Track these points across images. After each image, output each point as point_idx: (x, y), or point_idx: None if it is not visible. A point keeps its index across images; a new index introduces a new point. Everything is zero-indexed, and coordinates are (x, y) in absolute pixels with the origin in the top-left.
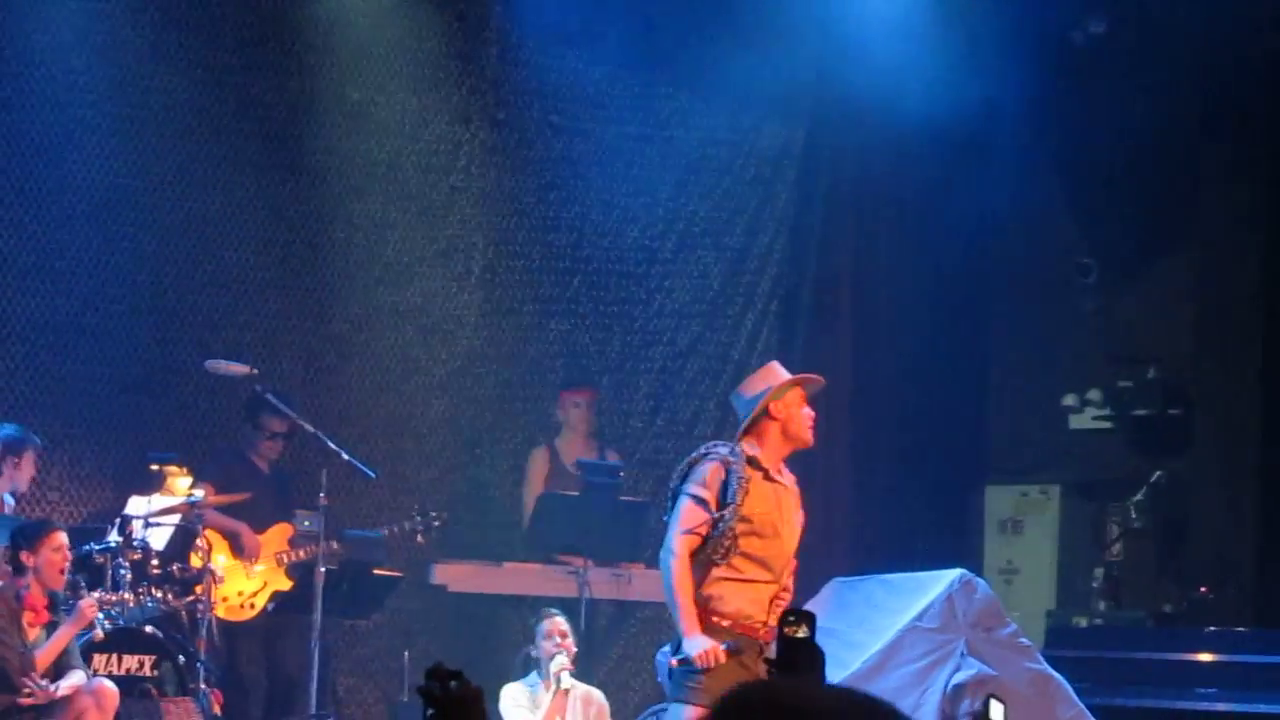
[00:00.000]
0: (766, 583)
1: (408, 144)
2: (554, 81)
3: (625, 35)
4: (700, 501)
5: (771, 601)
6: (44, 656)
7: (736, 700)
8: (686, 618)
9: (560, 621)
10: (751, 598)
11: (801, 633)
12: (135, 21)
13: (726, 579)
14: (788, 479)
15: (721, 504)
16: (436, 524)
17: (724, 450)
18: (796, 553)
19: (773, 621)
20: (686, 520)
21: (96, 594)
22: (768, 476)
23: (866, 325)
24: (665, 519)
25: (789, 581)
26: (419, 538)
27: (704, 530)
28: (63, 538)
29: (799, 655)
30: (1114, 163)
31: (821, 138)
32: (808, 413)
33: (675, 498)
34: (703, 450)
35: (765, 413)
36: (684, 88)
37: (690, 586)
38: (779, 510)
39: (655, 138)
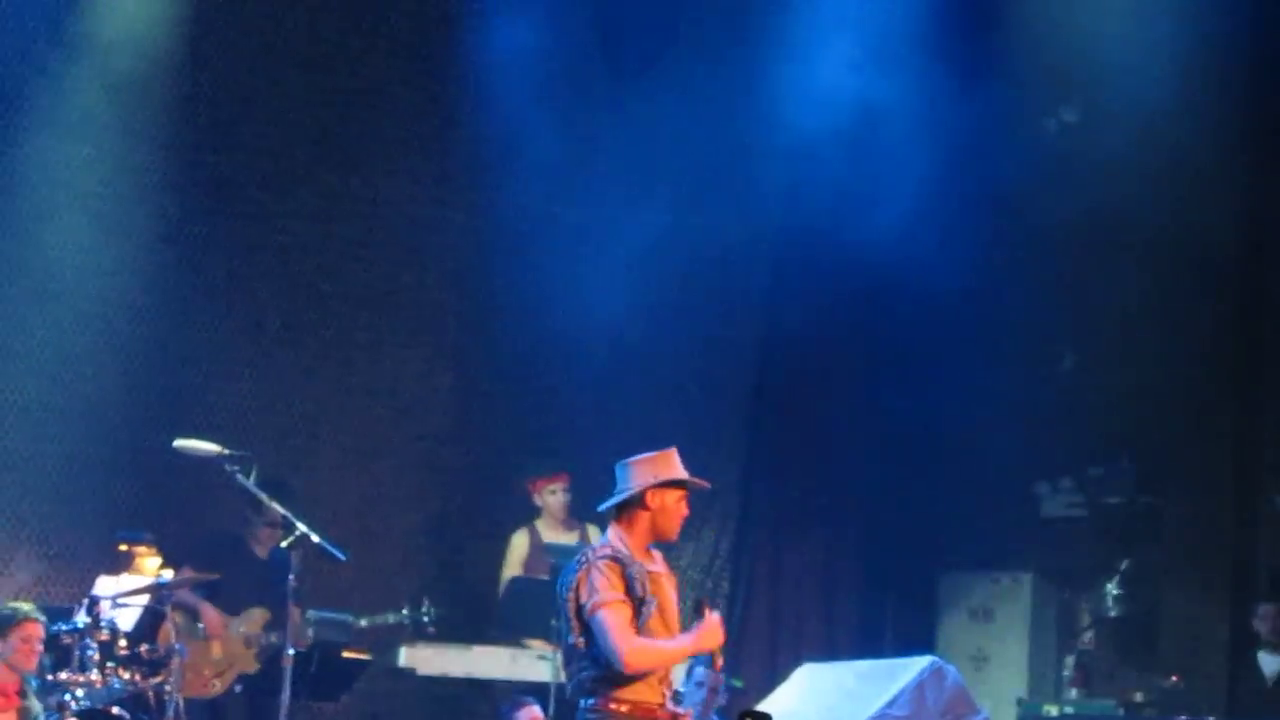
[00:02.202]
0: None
1: (379, 224)
2: (525, 164)
3: (596, 118)
4: (620, 604)
5: (662, 681)
6: None
7: None
8: (680, 647)
9: (537, 711)
10: (648, 682)
11: None
12: (108, 99)
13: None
14: (659, 563)
15: (632, 598)
16: (427, 619)
17: (607, 551)
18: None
19: (668, 702)
20: (620, 627)
21: (64, 674)
22: (646, 563)
23: (835, 410)
24: (569, 641)
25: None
26: (428, 629)
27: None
28: (35, 629)
29: None
30: (1092, 249)
31: (793, 223)
32: (682, 512)
33: (585, 616)
34: (585, 559)
35: (641, 501)
36: (657, 174)
37: (658, 643)
38: (662, 592)
39: (626, 220)
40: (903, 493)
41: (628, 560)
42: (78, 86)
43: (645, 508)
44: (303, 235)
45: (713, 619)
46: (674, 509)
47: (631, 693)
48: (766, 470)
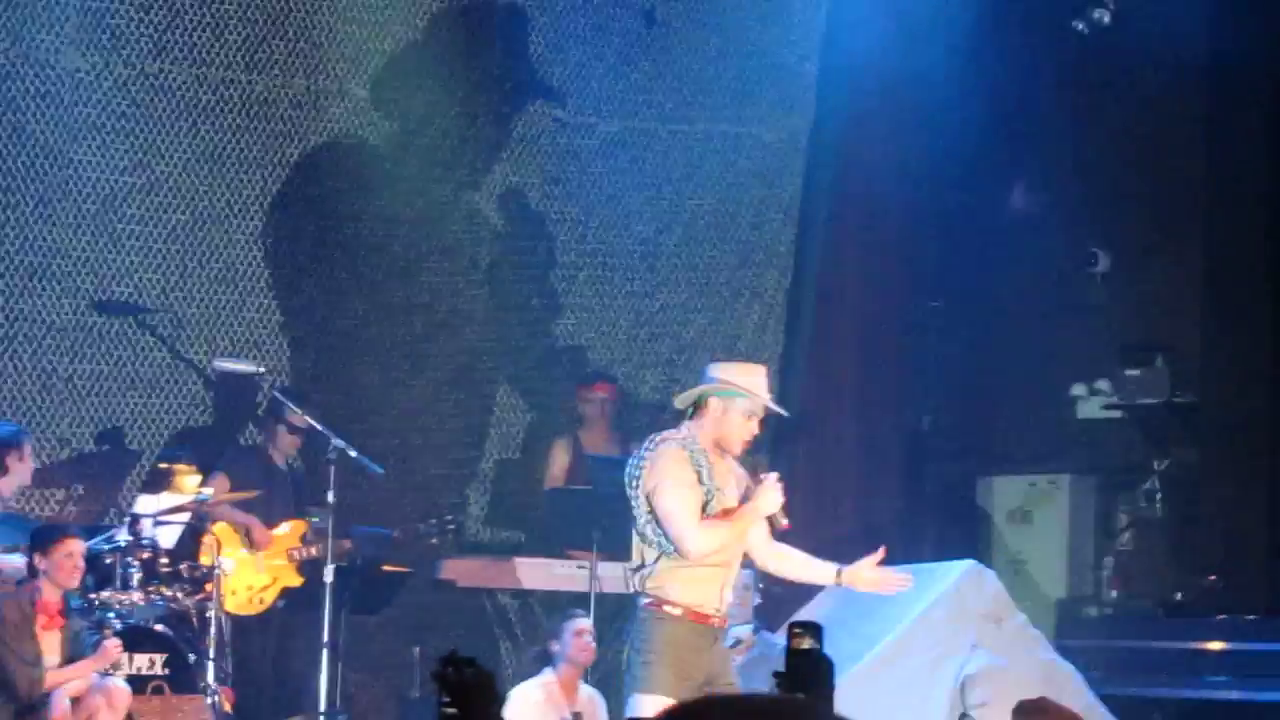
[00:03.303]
0: (719, 567)
1: (412, 139)
2: (558, 76)
3: (628, 30)
4: (688, 490)
5: (724, 587)
6: (55, 680)
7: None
8: (743, 519)
9: (587, 622)
10: (704, 586)
11: (807, 644)
12: (140, 19)
13: (680, 567)
14: (730, 460)
15: (701, 485)
16: (451, 528)
17: (678, 437)
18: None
19: (725, 607)
20: (686, 511)
21: (106, 593)
22: (712, 458)
23: (872, 317)
24: (639, 525)
25: (738, 566)
26: (434, 540)
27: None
28: (77, 545)
29: (806, 667)
30: (1123, 151)
31: (826, 130)
32: (743, 427)
33: (652, 500)
34: (654, 444)
35: (705, 404)
36: (687, 81)
37: (720, 522)
38: (726, 494)
39: (659, 131)
40: (939, 398)
41: (695, 449)
42: (108, 7)
43: (708, 412)
44: (335, 152)
45: (769, 479)
46: (735, 421)
47: (688, 595)
48: (802, 379)
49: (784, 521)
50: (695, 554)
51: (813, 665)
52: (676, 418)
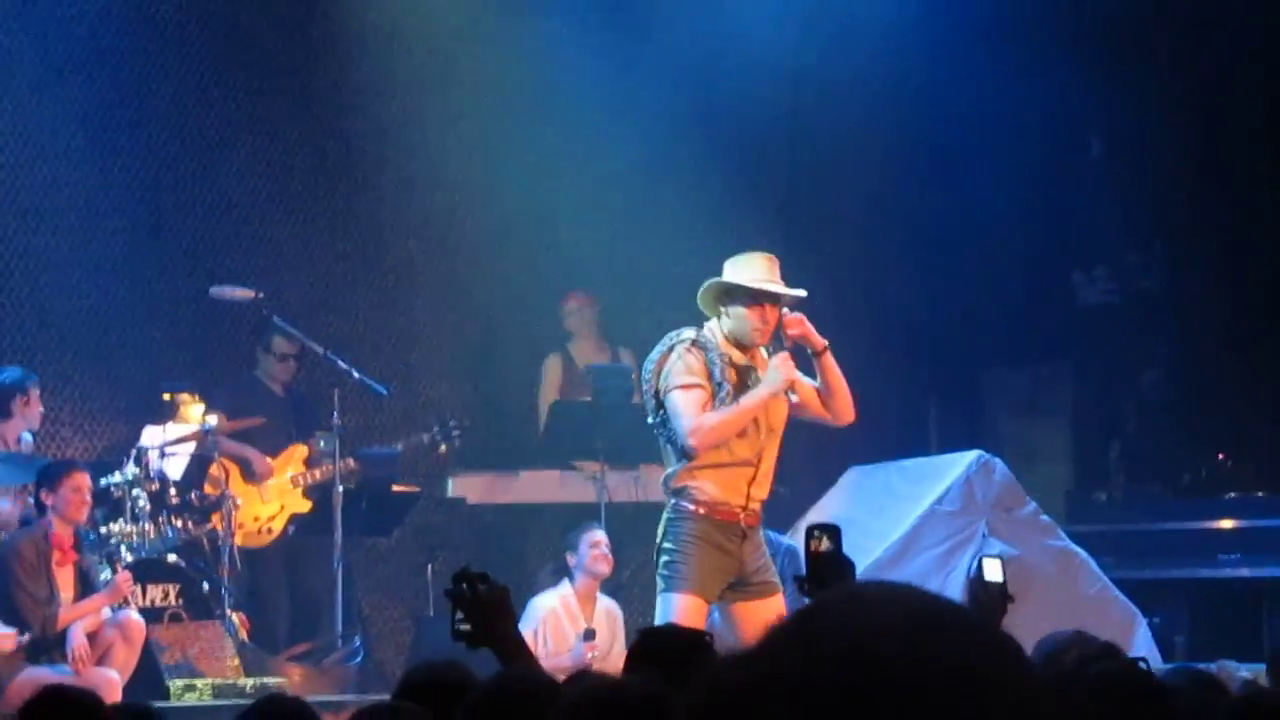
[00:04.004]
0: (742, 465)
1: (399, 61)
2: None
3: None
4: (694, 387)
5: (751, 484)
6: (68, 616)
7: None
8: (750, 403)
9: (603, 534)
10: (727, 483)
11: (825, 546)
12: None
13: (700, 466)
14: (756, 358)
15: (711, 383)
16: (457, 433)
17: (692, 334)
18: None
19: (754, 505)
20: (690, 407)
21: (116, 526)
22: (734, 356)
23: (867, 213)
24: (652, 424)
25: (770, 461)
26: (442, 448)
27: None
28: (83, 479)
29: (826, 569)
30: (1119, 37)
31: (816, 28)
32: (752, 318)
33: (661, 398)
34: (668, 343)
35: (714, 304)
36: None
37: (723, 410)
38: (746, 390)
39: (650, 45)
40: (938, 291)
41: (711, 346)
42: None
43: (721, 309)
44: (323, 76)
45: (776, 358)
46: (740, 314)
47: (710, 493)
48: (801, 281)
49: (794, 398)
50: (699, 447)
51: (834, 567)
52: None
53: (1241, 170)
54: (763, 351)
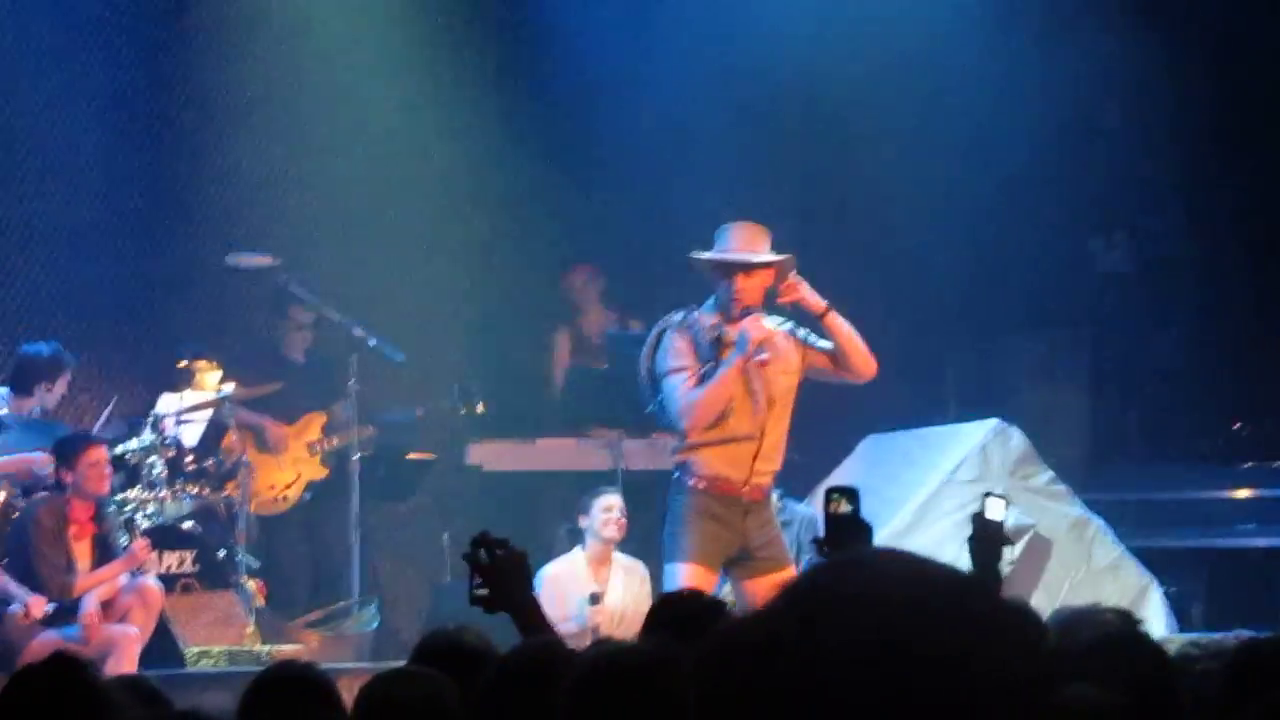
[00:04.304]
0: (744, 440)
1: (420, 28)
2: None
3: None
4: (680, 370)
5: (755, 459)
6: (85, 584)
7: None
8: (726, 369)
9: (618, 498)
10: (729, 458)
11: (844, 508)
12: None
13: (702, 443)
14: (754, 323)
15: (700, 365)
16: (477, 398)
17: (677, 317)
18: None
19: (758, 479)
20: (675, 392)
21: (133, 492)
22: (729, 331)
23: (885, 178)
24: (649, 409)
25: (777, 435)
26: (461, 412)
27: None
28: (101, 452)
29: (844, 531)
30: (1139, 3)
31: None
32: (735, 289)
33: (656, 384)
34: (659, 328)
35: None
36: None
37: (704, 384)
38: (769, 355)
39: (666, 11)
40: (956, 257)
41: (696, 326)
42: None
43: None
44: (340, 41)
45: (745, 321)
46: (726, 287)
47: (711, 467)
48: (818, 248)
49: (763, 356)
50: (691, 428)
51: (852, 529)
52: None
53: (1260, 134)
54: (765, 323)
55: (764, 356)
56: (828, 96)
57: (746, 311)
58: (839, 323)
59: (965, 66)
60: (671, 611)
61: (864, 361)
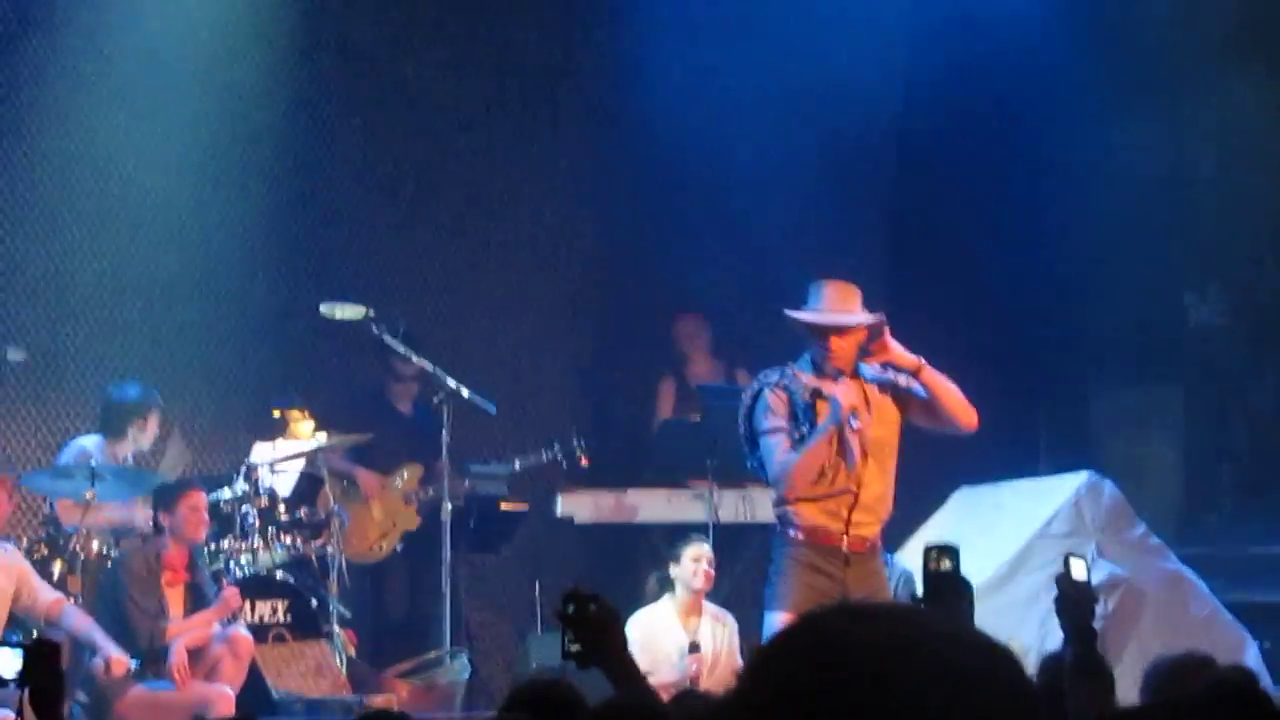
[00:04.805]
0: (841, 494)
1: (510, 75)
2: (657, 8)
3: None
4: (777, 431)
5: (852, 510)
6: (176, 630)
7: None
8: (820, 432)
9: (707, 548)
10: (825, 510)
11: (945, 566)
12: None
13: (799, 497)
14: (847, 384)
15: (796, 424)
16: (580, 448)
17: (774, 377)
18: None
19: (857, 531)
20: (773, 455)
21: (226, 542)
22: (826, 387)
23: (976, 231)
24: (749, 465)
25: (878, 486)
26: (562, 463)
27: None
28: (200, 498)
29: (944, 589)
30: (1231, 53)
31: (918, 45)
32: (830, 347)
33: (752, 443)
34: (755, 386)
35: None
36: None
37: (800, 448)
38: (861, 414)
39: (756, 58)
40: (1050, 309)
41: (794, 386)
42: None
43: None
44: (434, 91)
45: (838, 387)
46: (819, 347)
47: (809, 519)
48: (909, 298)
49: (855, 424)
50: (788, 490)
51: (952, 587)
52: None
53: None
54: (865, 376)
55: (857, 425)
56: (917, 145)
57: (840, 373)
58: (935, 377)
59: (1060, 118)
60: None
61: (964, 412)
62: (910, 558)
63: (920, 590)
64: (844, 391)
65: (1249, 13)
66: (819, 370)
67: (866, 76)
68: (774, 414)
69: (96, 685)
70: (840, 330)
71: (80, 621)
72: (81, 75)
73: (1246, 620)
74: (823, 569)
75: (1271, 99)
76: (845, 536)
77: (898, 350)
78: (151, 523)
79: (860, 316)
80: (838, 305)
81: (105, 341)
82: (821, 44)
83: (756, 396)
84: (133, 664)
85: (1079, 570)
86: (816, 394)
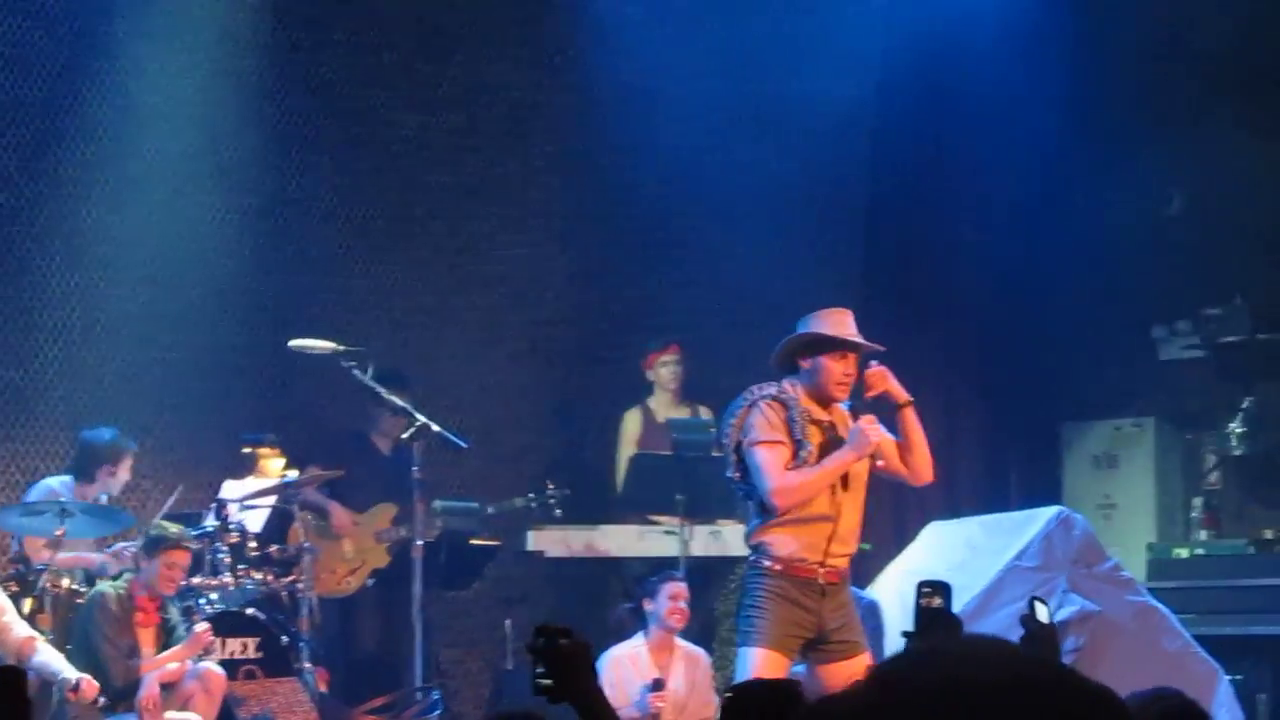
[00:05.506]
0: (820, 521)
1: (481, 112)
2: (622, 43)
3: None
4: (776, 444)
5: (830, 540)
6: (149, 668)
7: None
8: (835, 463)
9: (683, 587)
10: (804, 539)
11: (936, 602)
12: (200, 3)
13: (778, 523)
14: (837, 414)
15: (792, 440)
16: (553, 497)
17: (772, 390)
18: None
19: (833, 562)
20: (773, 464)
21: (197, 579)
22: (814, 412)
23: (947, 267)
24: (729, 477)
25: (852, 518)
26: (540, 508)
27: (791, 468)
28: (181, 557)
29: (936, 625)
30: (1195, 89)
31: (891, 78)
32: (836, 373)
33: (741, 453)
34: (750, 398)
35: (794, 360)
36: (752, 43)
37: (806, 470)
38: (828, 447)
39: (726, 92)
40: (1019, 345)
41: (792, 403)
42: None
43: (800, 366)
44: (405, 128)
45: (863, 420)
46: (826, 368)
47: (788, 549)
48: (880, 333)
49: (880, 462)
50: (782, 506)
51: (943, 623)
52: (757, 380)
53: None
54: (842, 408)
55: (880, 463)
56: (892, 182)
57: (859, 400)
58: (914, 419)
59: (1030, 155)
60: (746, 701)
61: (925, 463)
62: (881, 592)
63: (912, 624)
64: (870, 427)
65: (1221, 50)
66: (817, 395)
67: (838, 106)
68: (772, 426)
69: (67, 717)
70: (857, 351)
71: (52, 658)
72: (50, 112)
73: (1218, 654)
74: (799, 601)
75: (1242, 135)
76: (821, 568)
77: (893, 382)
78: (119, 563)
79: (863, 341)
80: (847, 329)
81: (74, 380)
82: (793, 71)
83: (752, 406)
84: (102, 695)
85: (1043, 613)
86: (809, 416)
